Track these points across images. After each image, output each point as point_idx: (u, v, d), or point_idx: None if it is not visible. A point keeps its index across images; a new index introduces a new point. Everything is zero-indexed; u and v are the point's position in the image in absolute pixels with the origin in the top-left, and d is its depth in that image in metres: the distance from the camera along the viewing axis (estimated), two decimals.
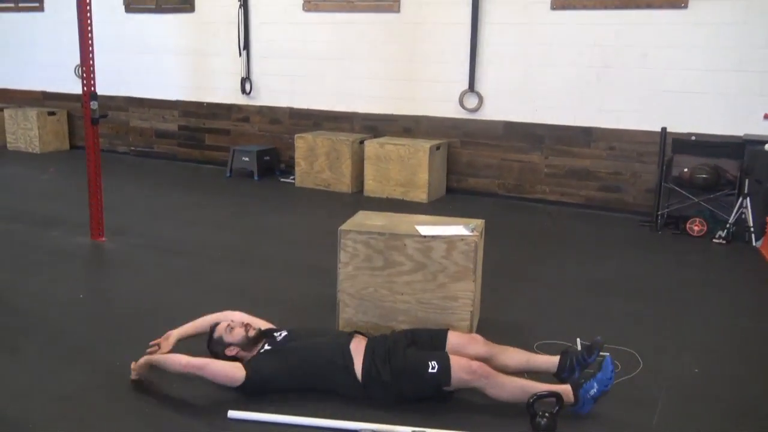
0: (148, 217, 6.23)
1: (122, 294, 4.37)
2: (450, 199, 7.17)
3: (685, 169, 6.00)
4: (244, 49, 8.23)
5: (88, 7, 5.06)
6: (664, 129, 6.06)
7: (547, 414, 2.79)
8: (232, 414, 2.87)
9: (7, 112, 9.67)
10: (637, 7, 6.29)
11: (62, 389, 3.10)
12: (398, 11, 7.36)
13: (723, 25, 5.99)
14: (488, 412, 2.96)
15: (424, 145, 6.94)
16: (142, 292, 4.35)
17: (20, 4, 9.94)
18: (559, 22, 6.63)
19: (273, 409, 2.92)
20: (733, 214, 5.72)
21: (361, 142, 7.35)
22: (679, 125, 6.20)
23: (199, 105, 8.81)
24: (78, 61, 5.34)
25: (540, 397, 2.85)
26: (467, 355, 3.05)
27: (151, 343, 3.33)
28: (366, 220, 3.81)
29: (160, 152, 9.22)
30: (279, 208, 6.81)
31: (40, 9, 9.75)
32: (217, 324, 3.28)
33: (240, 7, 8.12)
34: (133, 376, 3.13)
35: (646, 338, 3.77)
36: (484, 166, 7.25)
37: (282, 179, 7.96)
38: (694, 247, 5.60)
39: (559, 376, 3.12)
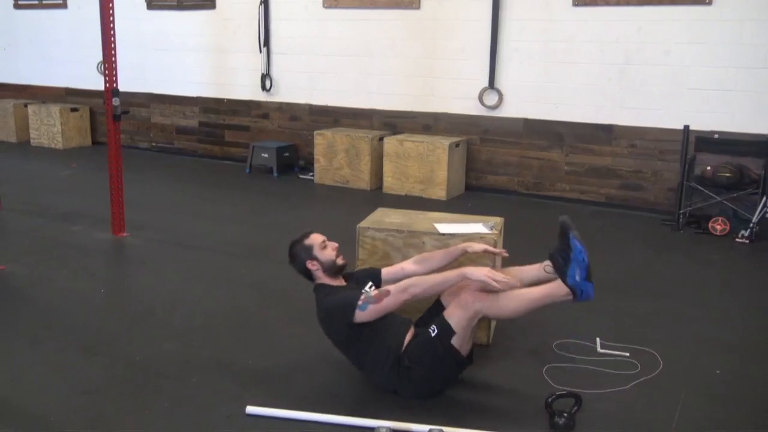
0: (168, 213, 6.28)
1: (142, 289, 4.41)
2: (469, 197, 7.14)
3: (708, 168, 5.93)
4: (264, 45, 8.25)
5: (110, 4, 5.10)
6: (686, 127, 5.98)
7: (565, 414, 2.78)
8: (251, 409, 2.89)
9: (30, 109, 9.79)
10: (660, 3, 6.22)
11: (82, 383, 3.13)
12: (418, 7, 7.34)
13: (748, 21, 5.90)
14: (506, 411, 2.95)
15: (444, 143, 6.92)
16: (161, 287, 4.39)
17: (44, 2, 10.05)
18: (580, 18, 6.58)
19: (291, 405, 2.93)
20: (757, 214, 5.64)
21: (381, 139, 7.35)
22: (702, 123, 6.13)
23: (219, 101, 8.86)
24: (100, 58, 5.40)
25: (559, 396, 2.84)
26: None
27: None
28: (384, 217, 3.81)
29: (180, 148, 9.29)
30: (298, 205, 6.83)
31: (64, 6, 9.85)
32: (311, 232, 3.21)
33: (260, 3, 8.14)
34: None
35: (666, 338, 3.73)
36: (503, 164, 7.22)
37: (301, 176, 7.98)
38: (717, 247, 5.53)
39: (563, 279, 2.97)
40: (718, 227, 5.78)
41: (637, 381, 3.22)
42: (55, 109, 9.55)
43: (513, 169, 7.18)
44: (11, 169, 7.33)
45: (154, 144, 9.52)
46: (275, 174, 7.98)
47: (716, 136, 6.06)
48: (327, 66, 7.98)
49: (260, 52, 8.28)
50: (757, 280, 4.80)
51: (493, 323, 3.70)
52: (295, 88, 8.27)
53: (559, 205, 6.85)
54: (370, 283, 3.16)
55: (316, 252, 3.14)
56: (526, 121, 7.02)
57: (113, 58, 5.16)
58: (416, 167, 7.02)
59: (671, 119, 6.29)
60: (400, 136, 7.29)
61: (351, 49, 7.79)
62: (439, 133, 7.42)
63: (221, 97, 8.82)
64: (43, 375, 3.21)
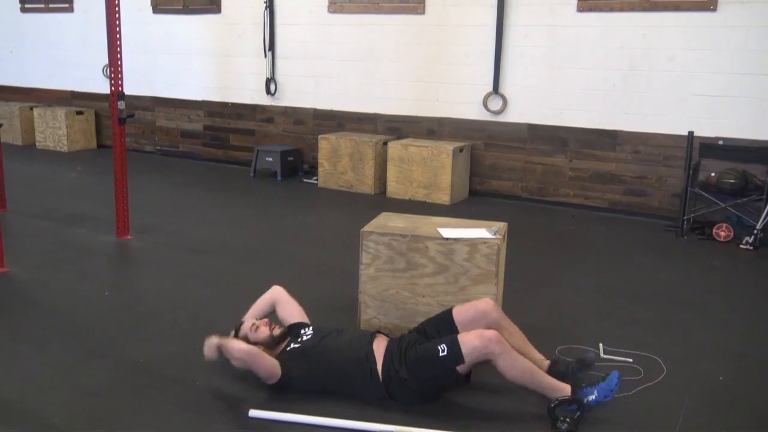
0: (172, 216, 6.29)
1: (146, 292, 4.42)
2: (473, 202, 7.15)
3: (712, 174, 5.93)
4: (269, 50, 8.28)
5: (116, 8, 5.13)
6: (691, 133, 5.98)
7: (568, 419, 2.77)
8: (254, 413, 2.89)
9: (36, 112, 9.83)
10: (665, 9, 6.23)
11: (86, 385, 3.14)
12: (423, 13, 7.35)
13: (753, 27, 5.90)
14: (509, 416, 2.95)
15: (448, 147, 6.93)
16: (166, 290, 4.40)
17: (50, 5, 10.10)
18: (585, 24, 6.58)
19: (294, 408, 2.93)
20: (761, 220, 5.63)
21: (385, 144, 7.36)
22: (707, 129, 6.13)
23: (224, 105, 8.88)
24: (106, 61, 5.42)
25: (562, 401, 2.83)
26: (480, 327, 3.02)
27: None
28: (388, 221, 3.82)
29: (185, 152, 9.31)
30: (302, 209, 6.85)
31: (70, 10, 9.90)
32: (241, 323, 3.29)
33: (266, 8, 8.17)
34: (207, 353, 3.10)
35: (670, 344, 3.72)
36: (507, 169, 7.22)
37: (305, 180, 7.99)
38: (721, 253, 5.52)
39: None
40: (722, 233, 5.78)
41: (640, 387, 3.22)
42: (60, 112, 9.59)
43: (517, 174, 7.18)
44: (17, 171, 7.36)
45: (159, 147, 9.55)
46: (279, 178, 8.00)
47: (721, 142, 6.06)
48: (332, 70, 8.00)
49: (265, 56, 8.31)
50: (761, 287, 4.79)
51: None
52: (299, 92, 8.29)
53: (563, 210, 6.85)
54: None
55: (253, 338, 3.18)
56: (530, 127, 7.02)
57: (119, 62, 5.18)
58: (420, 172, 7.03)
59: (676, 125, 6.29)
60: (404, 141, 7.30)
61: (356, 54, 7.81)
62: (443, 137, 7.43)
63: (226, 101, 8.85)
64: (48, 376, 3.22)
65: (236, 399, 3.03)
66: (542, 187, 7.07)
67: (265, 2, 8.16)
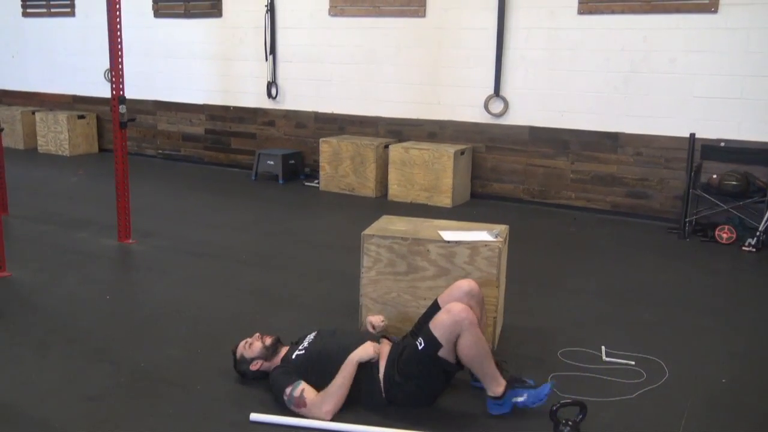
0: (174, 220, 6.29)
1: (148, 296, 4.42)
2: (474, 205, 7.14)
3: (714, 176, 5.92)
4: (270, 53, 8.29)
5: (118, 13, 5.13)
6: (692, 135, 5.97)
7: (570, 422, 2.76)
8: (254, 417, 2.88)
9: (38, 116, 9.84)
10: (666, 11, 6.22)
11: (87, 389, 3.13)
12: (424, 16, 7.36)
13: (754, 29, 5.90)
14: (511, 420, 2.93)
15: (449, 150, 6.93)
16: (167, 293, 4.40)
17: (52, 10, 10.12)
18: (586, 26, 6.58)
19: (295, 413, 2.92)
20: (764, 222, 5.62)
21: (386, 147, 7.36)
22: (709, 131, 6.12)
23: (225, 109, 8.89)
24: (107, 66, 5.42)
25: (564, 404, 2.82)
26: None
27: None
28: (389, 224, 3.81)
29: (186, 155, 9.32)
30: (303, 212, 6.84)
31: (71, 14, 9.92)
32: (235, 347, 3.27)
33: (267, 12, 8.18)
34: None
35: (672, 347, 3.71)
36: (508, 172, 7.22)
37: (306, 183, 7.99)
38: (723, 255, 5.51)
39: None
40: (725, 235, 5.76)
41: (642, 390, 3.21)
42: (62, 116, 9.60)
43: (518, 177, 7.17)
44: (18, 175, 7.36)
45: (160, 151, 9.56)
46: (281, 181, 8.00)
47: (722, 144, 6.05)
48: (333, 74, 8.00)
49: (266, 59, 8.31)
50: (764, 289, 4.78)
51: (498, 330, 3.69)
52: (300, 95, 8.29)
53: (564, 213, 6.84)
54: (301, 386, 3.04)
55: (249, 355, 3.18)
56: (532, 129, 7.02)
57: (120, 66, 5.19)
58: (422, 175, 7.03)
59: (677, 127, 6.28)
60: (405, 144, 7.30)
61: (357, 57, 7.82)
62: (444, 140, 7.43)
63: (227, 104, 8.85)
64: (48, 380, 3.21)
65: (237, 403, 3.02)
66: (544, 190, 7.07)
67: (266, 6, 8.17)
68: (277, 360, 3.17)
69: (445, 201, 6.95)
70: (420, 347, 2.91)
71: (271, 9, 8.18)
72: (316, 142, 7.86)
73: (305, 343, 3.19)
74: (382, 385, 2.99)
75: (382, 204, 7.02)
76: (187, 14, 8.87)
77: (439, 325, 2.88)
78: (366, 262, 3.64)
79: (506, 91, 7.06)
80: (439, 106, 7.46)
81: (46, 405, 2.99)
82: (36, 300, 4.25)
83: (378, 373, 3.01)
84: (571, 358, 3.51)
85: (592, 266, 5.18)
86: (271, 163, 8.08)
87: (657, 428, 2.92)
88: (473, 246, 3.48)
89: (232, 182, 8.17)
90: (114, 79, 5.19)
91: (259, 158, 8.20)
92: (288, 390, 2.96)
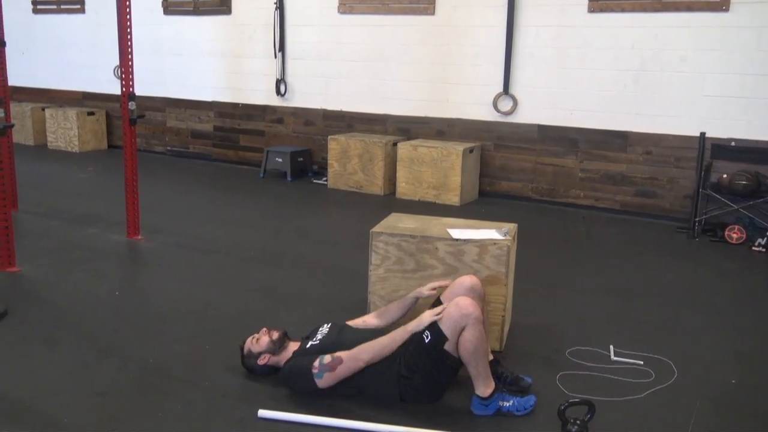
0: (182, 216, 6.31)
1: (156, 292, 4.43)
2: (482, 203, 7.13)
3: (725, 175, 5.88)
4: (279, 51, 8.29)
5: (127, 10, 5.15)
6: (703, 134, 5.94)
7: (578, 421, 2.75)
8: (263, 413, 2.89)
9: (48, 112, 9.89)
10: (677, 10, 6.19)
11: (96, 384, 3.15)
12: (433, 13, 7.34)
13: (765, 28, 5.86)
14: (519, 418, 2.93)
15: (457, 148, 6.92)
16: (175, 290, 4.41)
17: (62, 6, 10.16)
18: (596, 24, 6.55)
19: (303, 409, 2.92)
20: None
21: (394, 144, 7.35)
22: (719, 130, 6.08)
23: (234, 106, 8.90)
24: (117, 62, 5.43)
25: (572, 404, 2.81)
26: None
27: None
28: (398, 222, 3.81)
29: (195, 152, 9.34)
30: (311, 209, 6.85)
31: (81, 11, 9.95)
32: (242, 342, 3.28)
33: (276, 9, 8.18)
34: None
35: (681, 347, 3.69)
36: (517, 170, 7.20)
37: (315, 180, 8.00)
38: (733, 255, 5.48)
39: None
40: (735, 235, 5.73)
41: (651, 390, 3.20)
42: (72, 112, 9.64)
43: (527, 176, 7.15)
44: (28, 171, 7.40)
45: (169, 148, 9.58)
46: (289, 178, 8.00)
47: (733, 143, 6.02)
48: (341, 71, 8.00)
49: (275, 57, 8.32)
50: None
51: (506, 328, 3.68)
52: (309, 93, 8.29)
53: (573, 211, 6.82)
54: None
55: (257, 349, 3.18)
56: (541, 127, 6.99)
57: (130, 63, 5.20)
58: (430, 173, 7.02)
59: (687, 126, 6.25)
60: (413, 142, 7.29)
61: (365, 55, 7.81)
62: (453, 138, 7.42)
63: (236, 101, 8.87)
64: (57, 375, 3.23)
65: (245, 399, 3.03)
66: (552, 188, 7.05)
67: (276, 3, 8.17)
68: (287, 354, 3.17)
69: (454, 199, 6.94)
70: (426, 340, 2.92)
71: (280, 6, 8.18)
72: (325, 140, 7.86)
73: (319, 336, 3.19)
74: (396, 379, 2.98)
75: (390, 202, 7.01)
76: (197, 11, 8.89)
77: (446, 318, 2.89)
78: (374, 259, 3.64)
79: (515, 89, 7.04)
80: (447, 104, 7.45)
81: (54, 400, 3.01)
82: (45, 295, 4.27)
83: (396, 367, 2.98)
84: (579, 357, 3.50)
85: (600, 265, 5.17)
86: (280, 160, 8.09)
87: (665, 428, 2.90)
88: (482, 244, 3.47)
89: (241, 179, 8.19)
90: (123, 76, 5.21)
91: (267, 155, 8.21)
92: (315, 363, 2.98)
